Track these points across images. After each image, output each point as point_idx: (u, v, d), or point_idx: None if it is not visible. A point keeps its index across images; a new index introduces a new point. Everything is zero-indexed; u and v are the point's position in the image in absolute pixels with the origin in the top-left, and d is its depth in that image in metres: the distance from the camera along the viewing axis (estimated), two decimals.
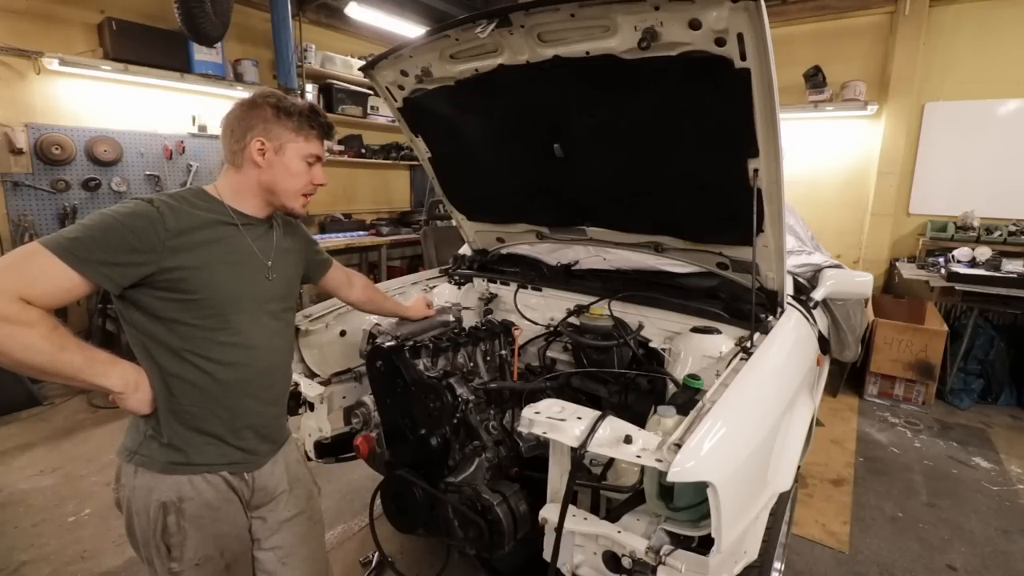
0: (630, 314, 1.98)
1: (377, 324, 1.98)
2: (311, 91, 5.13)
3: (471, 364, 1.97)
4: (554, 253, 2.51)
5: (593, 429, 1.16)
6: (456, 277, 2.53)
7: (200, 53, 4.33)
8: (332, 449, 1.86)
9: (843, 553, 2.35)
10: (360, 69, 2.06)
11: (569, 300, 2.14)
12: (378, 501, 1.73)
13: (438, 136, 2.18)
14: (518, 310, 2.27)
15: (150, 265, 1.06)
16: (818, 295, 2.22)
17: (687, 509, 1.13)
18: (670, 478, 1.01)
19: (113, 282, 1.03)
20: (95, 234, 1.01)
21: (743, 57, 1.28)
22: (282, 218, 1.37)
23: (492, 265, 2.56)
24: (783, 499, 1.48)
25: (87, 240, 1.00)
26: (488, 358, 2.03)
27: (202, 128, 4.64)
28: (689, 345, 1.74)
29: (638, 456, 1.10)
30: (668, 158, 1.71)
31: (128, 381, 1.10)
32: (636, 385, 1.87)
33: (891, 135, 4.74)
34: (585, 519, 1.23)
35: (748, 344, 1.58)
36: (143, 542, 1.17)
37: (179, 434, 1.15)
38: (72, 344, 1.01)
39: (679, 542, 1.13)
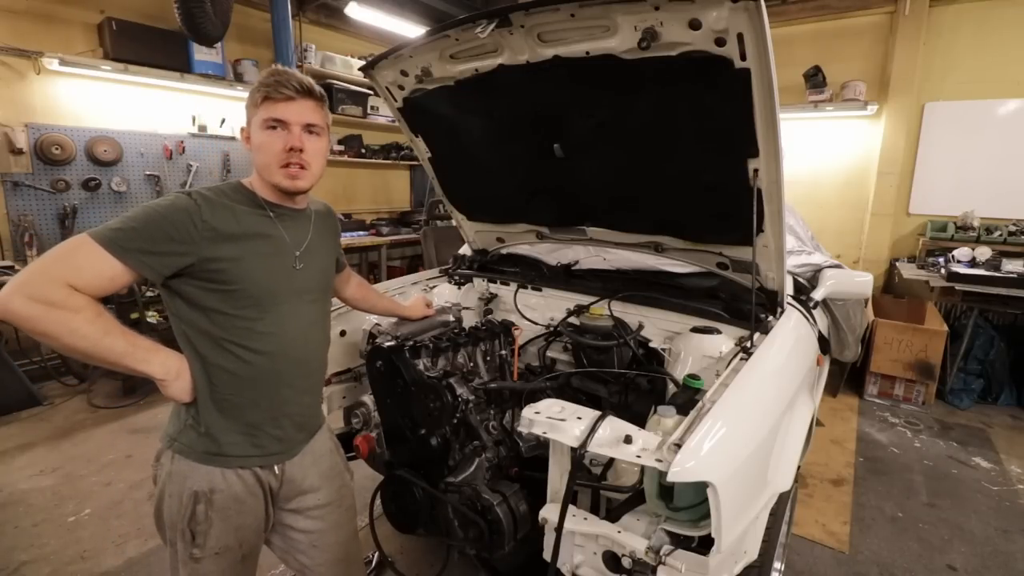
0: (630, 314, 1.98)
1: (377, 324, 1.98)
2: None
3: (471, 364, 1.97)
4: (554, 253, 2.51)
5: (593, 429, 1.16)
6: (456, 277, 2.53)
7: (200, 53, 4.33)
8: None
9: (843, 553, 2.35)
10: (360, 69, 2.06)
11: (569, 300, 2.14)
12: (378, 501, 1.73)
13: (438, 136, 2.18)
14: (518, 310, 2.27)
15: (189, 256, 1.09)
16: (818, 295, 2.22)
17: (687, 509, 1.13)
18: (670, 478, 1.01)
19: (153, 271, 1.07)
20: (136, 224, 1.06)
21: (743, 57, 1.28)
22: (316, 210, 1.38)
23: (492, 265, 2.56)
24: (783, 499, 1.48)
25: (128, 231, 1.05)
26: (488, 358, 2.03)
27: (202, 128, 4.64)
28: (689, 345, 1.74)
29: (638, 456, 1.10)
30: (668, 158, 1.71)
31: (169, 368, 1.13)
32: (636, 385, 1.87)
33: (891, 135, 4.75)
34: (585, 519, 1.23)
35: (748, 344, 1.58)
36: (170, 524, 1.22)
37: (216, 424, 1.18)
38: (117, 330, 1.06)
39: (679, 542, 1.13)
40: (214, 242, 1.11)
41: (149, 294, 3.75)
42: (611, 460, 1.31)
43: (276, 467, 1.28)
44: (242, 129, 1.24)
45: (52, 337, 0.99)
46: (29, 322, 0.97)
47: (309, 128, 1.21)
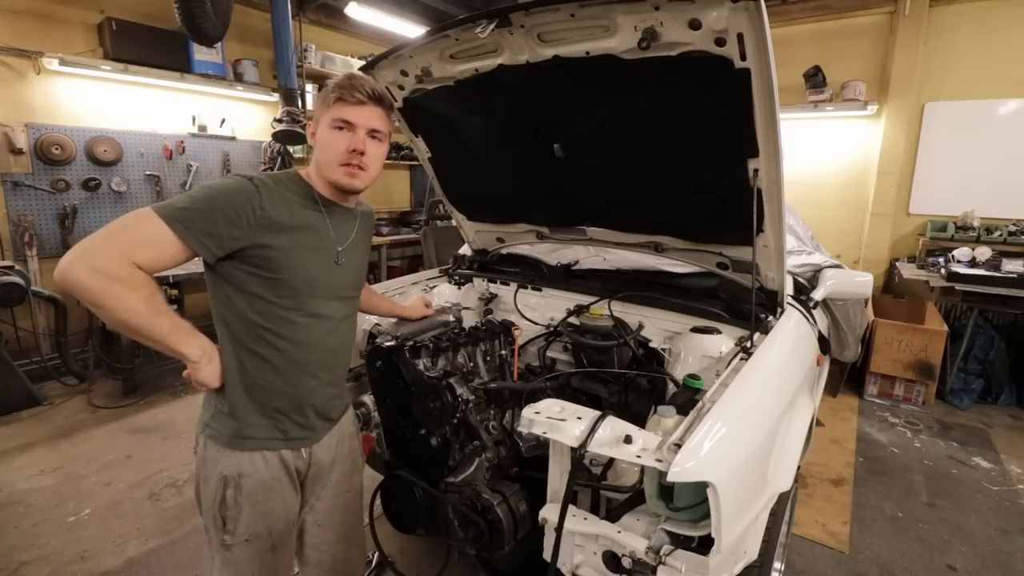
0: (630, 314, 1.98)
1: (377, 324, 1.98)
2: (311, 91, 5.13)
3: (471, 364, 1.97)
4: (554, 253, 2.51)
5: (593, 429, 1.16)
6: (456, 277, 2.53)
7: (200, 53, 4.33)
8: None
9: (843, 553, 2.35)
10: (360, 69, 2.06)
11: (569, 300, 2.14)
12: (378, 501, 1.73)
13: (438, 136, 2.18)
14: (518, 310, 2.27)
15: (244, 240, 1.13)
16: (818, 295, 2.23)
17: (687, 509, 1.13)
18: (670, 478, 1.01)
19: (210, 251, 1.11)
20: (200, 205, 1.09)
21: (743, 57, 1.28)
22: (362, 211, 1.43)
23: (492, 265, 2.56)
24: (783, 499, 1.48)
25: (193, 211, 1.08)
26: (488, 358, 2.03)
27: (202, 128, 4.64)
28: (689, 345, 1.74)
29: (638, 456, 1.10)
30: (668, 158, 1.71)
31: (205, 351, 1.17)
32: (636, 385, 1.87)
33: (891, 135, 4.75)
34: (585, 519, 1.23)
35: (748, 344, 1.58)
36: (205, 509, 1.26)
37: (243, 406, 1.22)
38: (165, 310, 1.10)
39: (679, 542, 1.13)
40: (268, 230, 1.15)
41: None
42: (611, 460, 1.31)
43: (304, 451, 1.31)
44: (309, 124, 1.29)
45: (108, 309, 1.01)
46: (90, 293, 0.99)
47: (373, 133, 1.26)
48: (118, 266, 1.01)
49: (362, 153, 1.23)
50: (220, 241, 1.10)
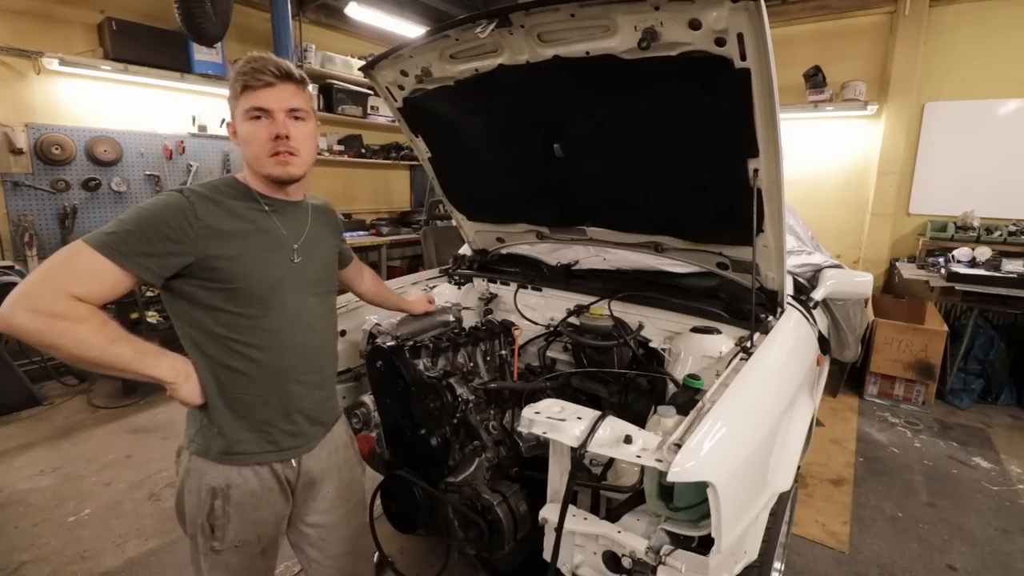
0: (630, 314, 1.98)
1: (377, 324, 1.98)
2: (311, 91, 5.13)
3: (471, 364, 1.97)
4: (554, 253, 2.51)
5: (593, 429, 1.16)
6: (456, 277, 2.53)
7: (200, 53, 4.33)
8: None
9: (843, 553, 2.35)
10: (360, 69, 2.06)
11: (569, 300, 2.14)
12: (378, 501, 1.73)
13: (438, 136, 2.18)
14: (518, 310, 2.27)
15: (187, 255, 1.08)
16: (818, 295, 2.22)
17: (687, 509, 1.13)
18: (670, 478, 1.01)
19: (153, 273, 1.06)
20: (130, 226, 1.04)
21: (743, 57, 1.28)
22: (313, 204, 1.37)
23: (492, 265, 2.56)
24: (783, 499, 1.48)
25: (123, 234, 1.03)
26: (488, 358, 2.03)
27: (202, 128, 4.64)
28: (689, 345, 1.74)
29: (638, 456, 1.10)
30: (668, 158, 1.71)
31: (178, 371, 1.13)
32: (636, 385, 1.87)
33: (891, 135, 4.74)
34: (585, 519, 1.23)
35: (748, 344, 1.58)
36: (190, 519, 1.23)
37: (229, 424, 1.18)
38: (122, 337, 1.05)
39: (679, 542, 1.13)
40: (211, 240, 1.09)
41: (149, 294, 3.74)
42: (611, 460, 1.31)
43: (293, 461, 1.28)
44: (228, 124, 1.21)
45: (59, 348, 0.98)
46: (35, 335, 0.96)
47: (293, 113, 1.16)
48: (55, 301, 0.96)
49: (287, 137, 1.13)
50: (160, 260, 1.05)
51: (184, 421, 1.27)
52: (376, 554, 2.15)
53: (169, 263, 1.06)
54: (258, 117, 1.13)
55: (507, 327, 2.08)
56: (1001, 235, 4.30)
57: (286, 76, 1.14)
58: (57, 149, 3.84)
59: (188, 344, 1.17)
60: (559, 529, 1.19)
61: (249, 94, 1.12)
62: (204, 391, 1.16)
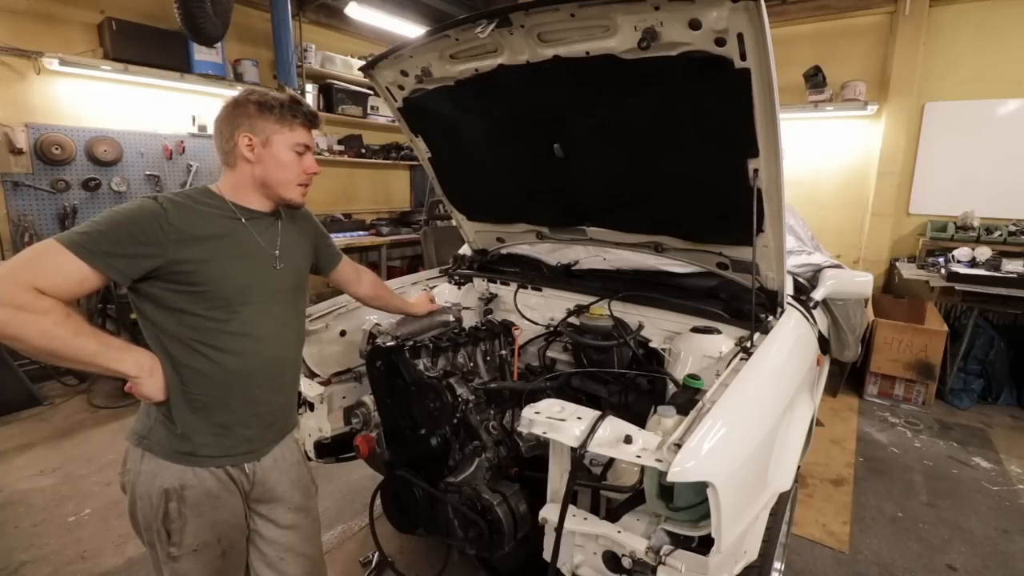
0: (630, 314, 1.98)
1: (377, 324, 1.98)
2: (311, 91, 5.13)
3: (471, 364, 1.97)
4: (554, 253, 2.51)
5: (593, 429, 1.16)
6: (456, 277, 2.53)
7: (200, 53, 4.33)
8: (332, 449, 1.86)
9: (843, 553, 2.35)
10: (360, 69, 2.06)
11: (569, 300, 2.14)
12: (378, 501, 1.73)
13: (438, 136, 2.18)
14: (518, 310, 2.27)
15: (157, 258, 1.10)
16: (818, 295, 2.22)
17: (687, 509, 1.13)
18: (670, 478, 1.01)
19: (121, 273, 1.08)
20: (103, 228, 1.07)
21: (743, 57, 1.28)
22: (287, 211, 1.38)
23: (492, 265, 2.56)
24: (783, 499, 1.48)
25: (95, 234, 1.06)
26: (488, 358, 2.03)
27: (202, 128, 4.64)
28: (689, 345, 1.74)
29: (638, 456, 1.10)
30: (668, 158, 1.71)
31: (143, 366, 1.13)
32: (636, 385, 1.87)
33: (891, 135, 4.74)
34: (585, 519, 1.23)
35: (748, 344, 1.58)
36: (145, 526, 1.23)
37: (189, 423, 1.19)
38: (87, 330, 1.06)
39: (679, 542, 1.13)
40: (181, 244, 1.12)
41: None
42: (611, 460, 1.31)
43: (246, 467, 1.28)
44: (249, 138, 1.22)
45: (22, 340, 0.98)
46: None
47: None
48: (19, 293, 0.97)
49: (316, 173, 1.30)
50: (129, 261, 1.07)
51: None
52: (376, 554, 2.16)
53: (138, 265, 1.09)
54: (302, 153, 1.28)
55: (507, 327, 2.08)
56: (1001, 235, 4.29)
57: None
58: (57, 149, 3.84)
59: (153, 343, 1.18)
60: (559, 529, 1.19)
61: (302, 132, 1.27)
62: (167, 388, 1.17)
